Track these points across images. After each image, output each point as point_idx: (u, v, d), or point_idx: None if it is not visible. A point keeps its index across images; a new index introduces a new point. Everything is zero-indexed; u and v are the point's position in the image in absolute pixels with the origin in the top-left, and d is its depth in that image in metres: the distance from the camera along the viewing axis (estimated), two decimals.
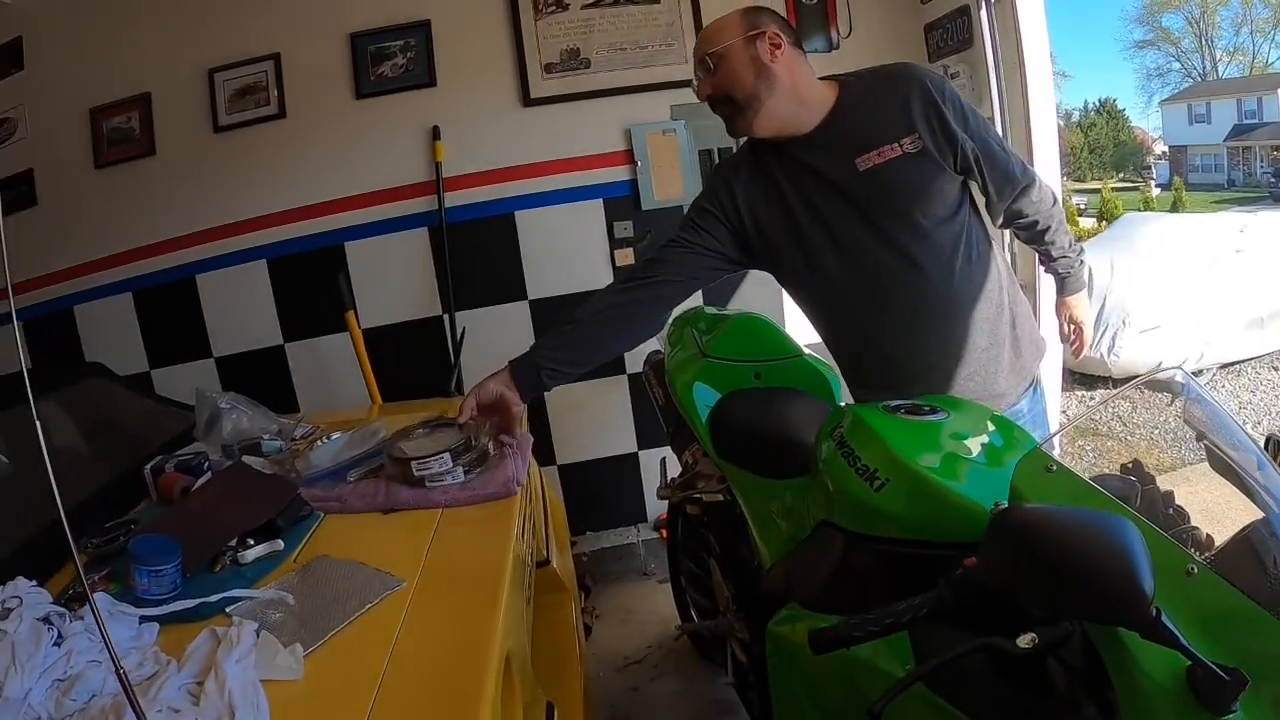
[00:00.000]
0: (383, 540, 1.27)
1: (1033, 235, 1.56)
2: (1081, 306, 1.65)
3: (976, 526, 0.85)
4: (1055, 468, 0.89)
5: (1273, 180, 19.08)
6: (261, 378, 2.67)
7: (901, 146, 1.34)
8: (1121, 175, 23.88)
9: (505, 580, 1.10)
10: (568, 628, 1.78)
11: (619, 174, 2.64)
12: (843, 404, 1.52)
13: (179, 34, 2.53)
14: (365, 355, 2.43)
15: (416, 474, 1.38)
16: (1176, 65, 25.13)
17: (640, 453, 2.81)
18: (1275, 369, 5.42)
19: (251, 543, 1.21)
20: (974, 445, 1.16)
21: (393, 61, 2.60)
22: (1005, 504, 0.89)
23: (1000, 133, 2.32)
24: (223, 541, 1.20)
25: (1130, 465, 0.96)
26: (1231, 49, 23.89)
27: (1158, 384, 1.06)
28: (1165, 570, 0.71)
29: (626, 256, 2.65)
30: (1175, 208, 14.11)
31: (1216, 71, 24.43)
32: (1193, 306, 5.03)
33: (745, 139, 1.48)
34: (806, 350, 1.79)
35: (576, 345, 1.45)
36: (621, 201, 2.66)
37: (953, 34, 2.56)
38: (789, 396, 1.71)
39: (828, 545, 1.20)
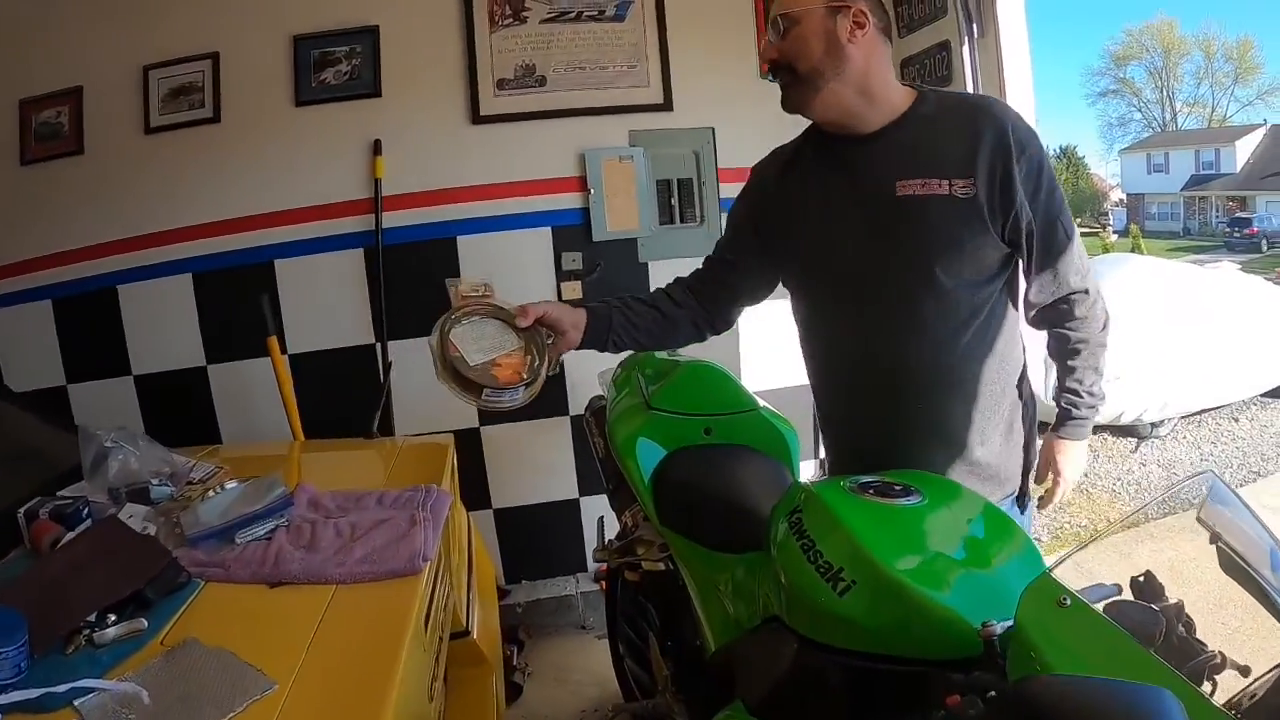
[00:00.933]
0: (265, 620, 1.12)
1: (1061, 352, 1.33)
2: (1071, 457, 1.36)
3: (959, 643, 0.80)
4: (1070, 602, 0.75)
5: (1228, 230, 19.61)
6: (181, 400, 2.51)
7: (951, 186, 1.18)
8: (1079, 220, 24.48)
9: (395, 682, 0.96)
10: (486, 705, 1.64)
11: (570, 201, 2.49)
12: (801, 477, 1.36)
13: (117, 24, 2.37)
14: (288, 385, 2.25)
15: (484, 399, 1.27)
16: (1138, 115, 25.87)
17: (582, 499, 2.64)
18: (1236, 420, 5.48)
19: (112, 619, 1.05)
20: (956, 539, 1.04)
21: (336, 68, 2.44)
22: (996, 624, 0.81)
23: None
24: (81, 615, 1.04)
25: (1143, 579, 0.81)
26: (1191, 101, 24.55)
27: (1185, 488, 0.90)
28: None
29: (574, 290, 2.49)
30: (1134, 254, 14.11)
31: (1176, 123, 25.14)
32: (1155, 357, 4.99)
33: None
34: (762, 403, 1.65)
35: (640, 331, 1.38)
36: (571, 231, 2.49)
37: (931, 69, 2.44)
38: (741, 458, 1.57)
39: (778, 646, 1.07)
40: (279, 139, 2.42)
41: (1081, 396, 1.32)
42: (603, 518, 1.95)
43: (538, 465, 2.61)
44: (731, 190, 2.50)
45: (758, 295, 1.44)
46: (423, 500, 1.42)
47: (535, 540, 2.65)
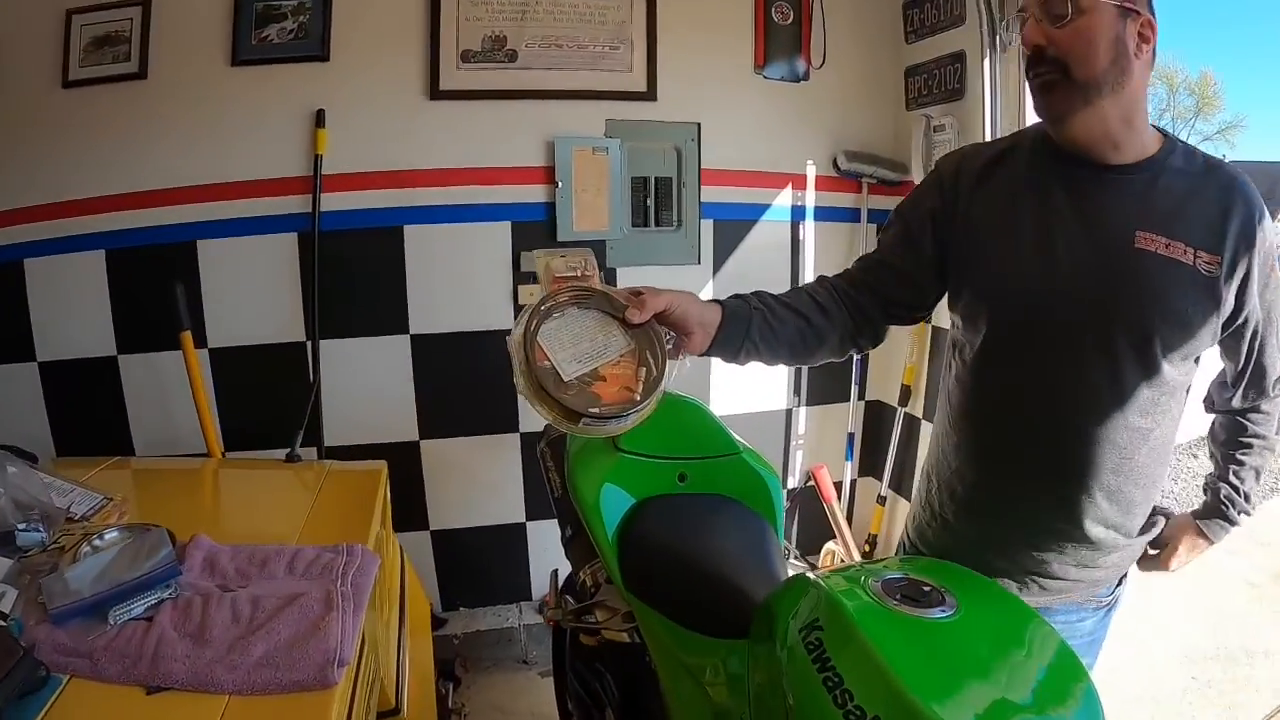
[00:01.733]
0: None
1: (1230, 440, 1.22)
2: (1197, 552, 1.25)
3: None
4: None
5: None
6: (90, 393, 2.24)
7: (1196, 258, 1.02)
8: None
9: None
10: None
11: (534, 194, 2.23)
12: (807, 570, 1.15)
13: None
14: (202, 390, 2.00)
15: (582, 426, 1.00)
16: None
17: (529, 524, 2.41)
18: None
19: None
20: (1003, 668, 0.87)
21: (281, 25, 2.15)
22: None
23: None
24: None
25: None
26: None
27: None
28: None
29: (534, 294, 2.19)
30: None
31: None
32: None
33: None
34: (743, 444, 1.45)
35: (780, 342, 1.12)
36: (534, 228, 2.24)
37: (940, 82, 2.25)
38: (722, 513, 1.37)
39: None
40: (210, 101, 2.14)
41: (1239, 497, 1.21)
42: (555, 572, 1.72)
43: (481, 484, 2.37)
44: (716, 194, 2.34)
45: (917, 314, 1.22)
46: (343, 568, 1.16)
47: (476, 566, 2.42)
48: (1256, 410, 1.18)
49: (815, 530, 2.51)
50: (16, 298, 2.19)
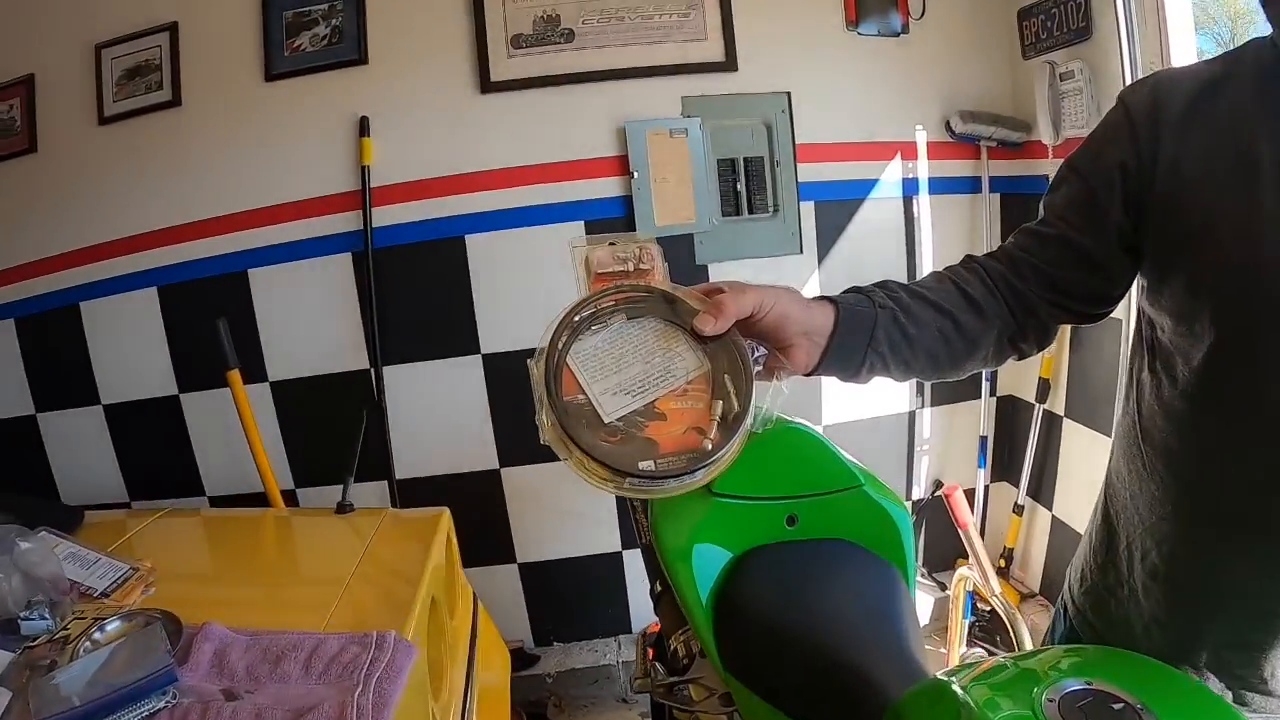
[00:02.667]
0: None
1: None
2: None
3: None
4: None
5: None
6: (155, 435, 2.17)
7: None
8: None
9: None
10: None
11: (608, 188, 2.00)
12: (952, 680, 0.82)
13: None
14: (255, 430, 1.88)
15: (629, 487, 0.68)
16: None
17: (625, 553, 2.20)
18: None
19: None
20: None
21: (313, 31, 2.00)
22: None
23: None
24: None
25: None
26: None
27: None
28: None
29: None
30: None
31: None
32: None
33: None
34: (863, 470, 1.17)
35: (918, 351, 0.79)
36: (610, 225, 2.00)
37: (1060, 22, 1.94)
38: (842, 565, 1.11)
39: None
40: (248, 121, 2.03)
41: None
42: (644, 635, 1.50)
43: (570, 513, 2.17)
44: (815, 172, 2.04)
45: (1098, 309, 0.85)
46: (368, 668, 0.98)
47: (569, 599, 2.24)
48: None
49: (945, 546, 2.24)
50: (76, 341, 2.17)
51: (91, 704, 0.88)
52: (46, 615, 1.09)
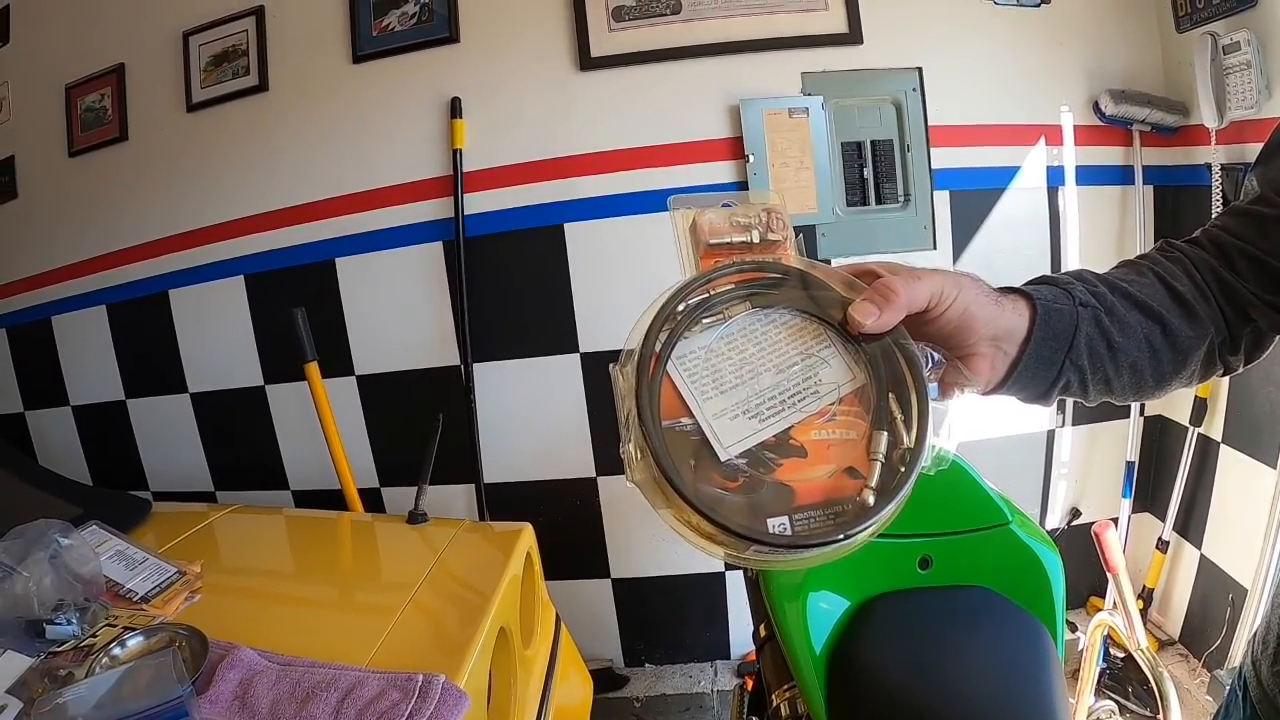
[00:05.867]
0: None
1: None
2: None
3: None
4: None
5: None
6: (241, 425, 2.17)
7: None
8: None
9: None
10: None
11: (721, 172, 1.83)
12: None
13: None
14: (333, 427, 1.79)
15: (753, 554, 0.46)
16: None
17: (728, 574, 2.04)
18: None
19: None
20: None
21: (402, 9, 1.92)
22: None
23: None
24: None
25: None
26: None
27: None
28: None
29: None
30: None
31: None
32: None
33: None
34: (1013, 507, 1.04)
35: (1123, 363, 0.59)
36: None
37: None
38: (982, 620, 0.99)
39: None
40: (335, 105, 1.97)
41: None
42: (743, 684, 1.35)
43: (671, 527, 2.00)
44: (949, 158, 1.84)
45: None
46: (409, 716, 0.85)
47: (665, 618, 2.10)
48: None
49: (1078, 581, 2.01)
50: (165, 328, 2.18)
51: None
52: (74, 620, 1.06)
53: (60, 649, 1.00)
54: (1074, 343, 0.57)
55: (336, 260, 1.99)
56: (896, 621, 0.97)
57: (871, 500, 0.46)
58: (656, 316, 0.49)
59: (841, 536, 0.45)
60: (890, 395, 0.49)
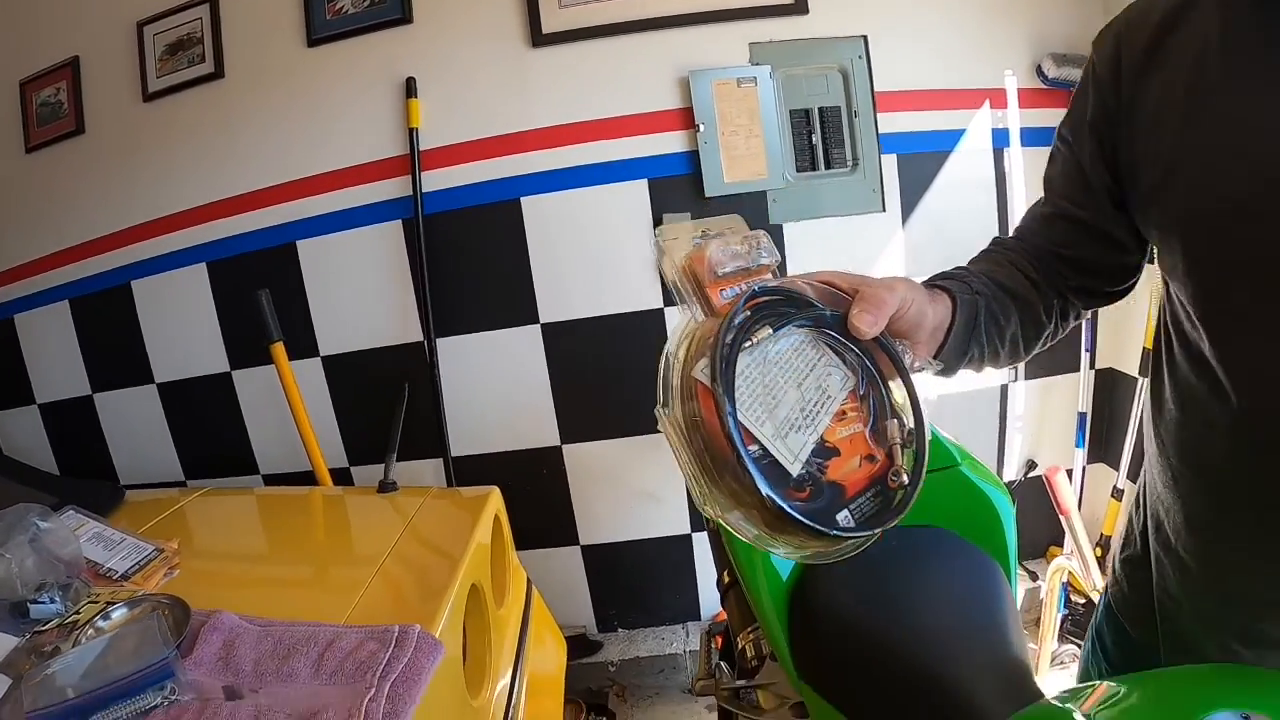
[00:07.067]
0: None
1: None
2: None
3: None
4: None
5: None
6: (209, 412, 2.17)
7: None
8: None
9: None
10: None
11: (672, 143, 1.87)
12: (1076, 706, 0.68)
13: None
14: (300, 406, 1.81)
15: (844, 545, 0.55)
16: None
17: (694, 535, 2.09)
18: None
19: None
20: None
21: None
22: None
23: None
24: None
25: None
26: None
27: None
28: None
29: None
30: None
31: None
32: None
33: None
34: (961, 450, 1.10)
35: (1004, 336, 0.75)
36: (675, 183, 1.88)
37: None
38: (936, 557, 1.03)
39: None
40: (292, 89, 1.97)
41: None
42: (709, 632, 1.43)
43: (636, 492, 2.07)
44: (897, 122, 1.88)
45: (1122, 278, 0.79)
46: (384, 666, 0.90)
47: (635, 582, 2.15)
48: None
49: (1037, 531, 2.09)
50: (129, 319, 2.17)
51: (86, 696, 0.84)
52: (57, 599, 1.07)
53: (45, 627, 1.02)
54: (978, 325, 0.70)
55: (297, 243, 2.00)
56: (855, 561, 1.00)
57: (905, 479, 0.55)
58: (716, 354, 0.50)
59: (896, 513, 0.54)
60: (875, 385, 0.58)
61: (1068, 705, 0.64)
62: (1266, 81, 0.60)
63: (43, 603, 1.04)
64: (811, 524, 0.50)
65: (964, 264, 0.79)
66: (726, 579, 1.27)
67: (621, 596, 2.15)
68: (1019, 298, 0.75)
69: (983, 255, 0.81)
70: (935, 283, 0.70)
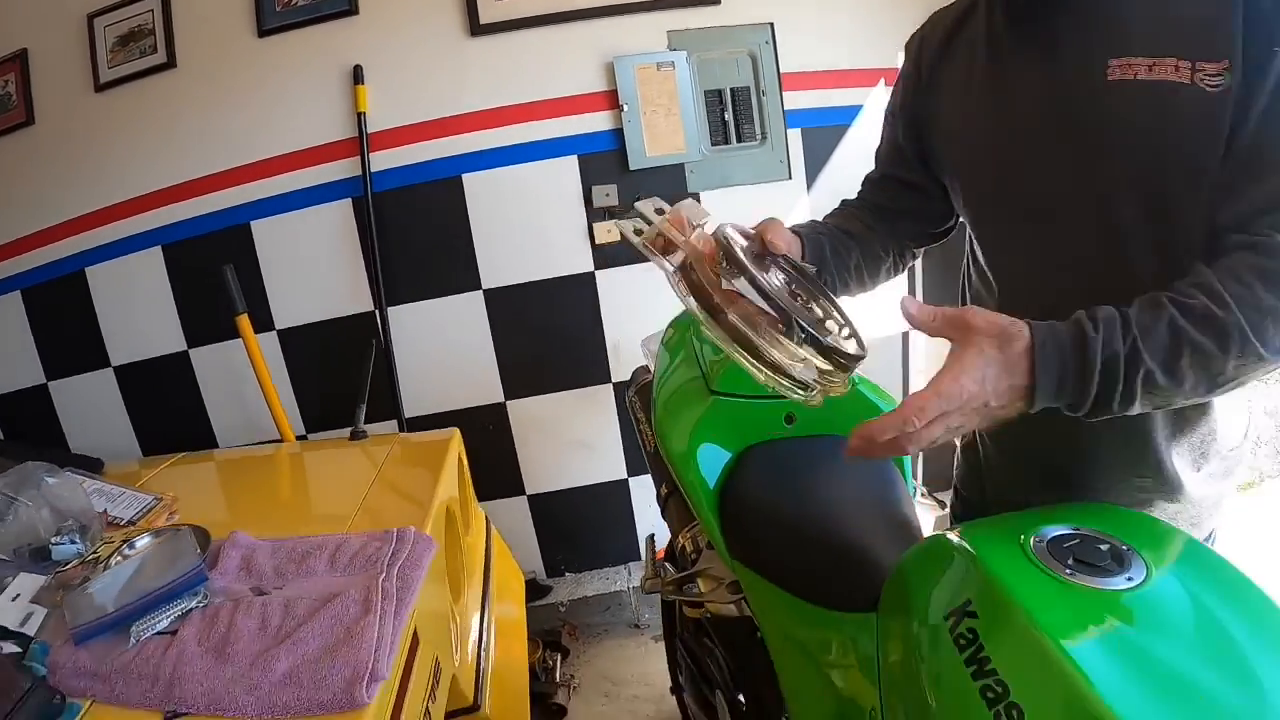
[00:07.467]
0: None
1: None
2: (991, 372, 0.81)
3: None
4: None
5: None
6: (167, 391, 2.21)
7: (1194, 73, 0.71)
8: None
9: None
10: None
11: (599, 122, 2.03)
12: (949, 533, 0.87)
13: None
14: (265, 372, 1.91)
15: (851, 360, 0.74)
16: None
17: (631, 479, 2.26)
18: None
19: None
20: (1219, 656, 0.63)
21: None
22: None
23: None
24: None
25: None
26: None
27: None
28: None
29: (610, 231, 2.05)
30: None
31: None
32: None
33: None
34: (857, 371, 1.21)
35: (849, 270, 1.00)
36: (602, 158, 2.05)
37: None
38: (837, 456, 1.14)
39: None
40: (244, 78, 2.05)
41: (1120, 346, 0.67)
42: (652, 536, 1.56)
43: (576, 443, 2.22)
44: (801, 100, 2.08)
45: (943, 222, 1.05)
46: (389, 557, 1.04)
47: (579, 528, 2.30)
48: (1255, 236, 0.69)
49: (944, 464, 2.29)
50: (84, 306, 2.19)
51: (126, 609, 0.94)
52: (76, 540, 1.15)
53: (66, 567, 1.10)
54: (825, 258, 0.93)
55: (252, 223, 2.08)
56: (770, 462, 1.15)
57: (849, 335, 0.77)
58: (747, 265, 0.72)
59: (860, 353, 0.74)
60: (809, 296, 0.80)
61: (944, 533, 0.81)
62: (1006, 67, 0.84)
63: (63, 544, 1.13)
64: (850, 352, 0.72)
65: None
66: (665, 491, 1.42)
67: (567, 542, 2.30)
68: (855, 236, 0.99)
69: (833, 211, 1.06)
70: (791, 229, 0.91)
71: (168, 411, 2.22)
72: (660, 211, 0.79)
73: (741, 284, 0.71)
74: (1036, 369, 0.66)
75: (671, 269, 0.76)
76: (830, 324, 0.78)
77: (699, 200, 0.87)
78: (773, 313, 0.70)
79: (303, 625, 0.90)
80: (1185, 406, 0.79)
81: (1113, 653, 0.61)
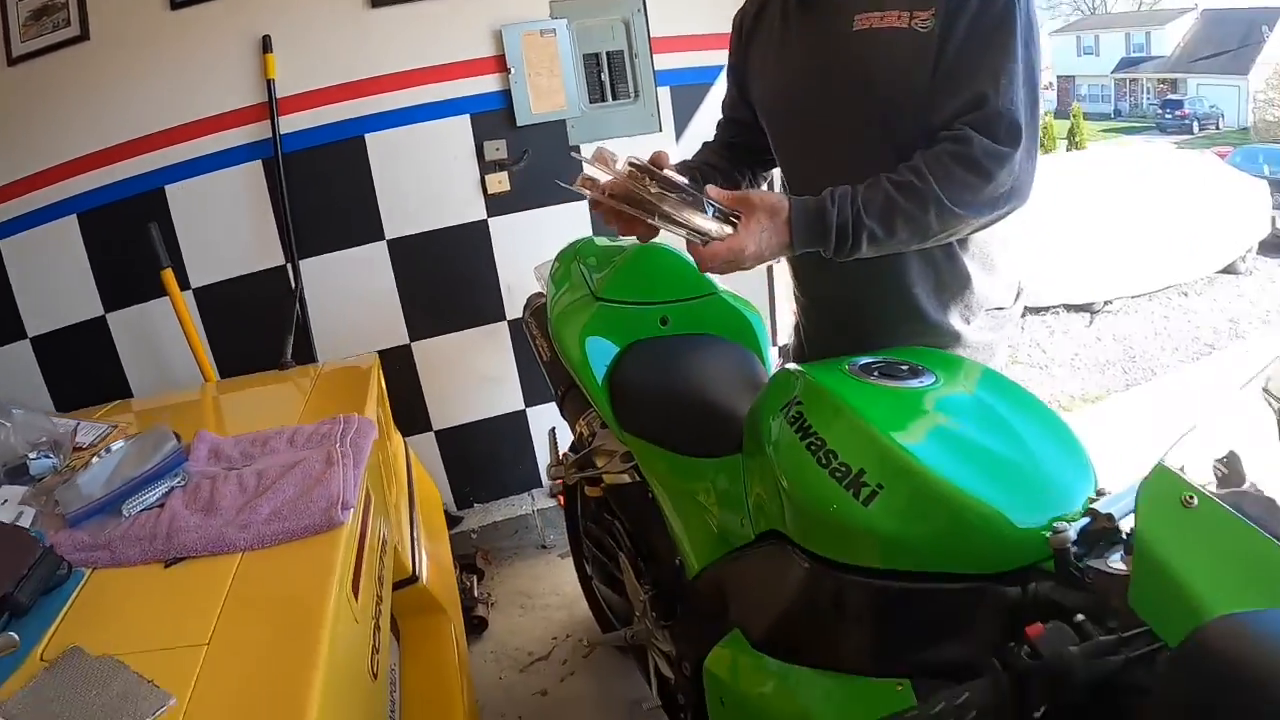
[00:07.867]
0: (158, 610, 0.93)
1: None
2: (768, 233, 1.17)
3: (1007, 553, 0.73)
4: (1196, 501, 0.61)
5: (1160, 111, 19.89)
6: (85, 357, 2.27)
7: (912, 18, 1.03)
8: None
9: (318, 674, 0.78)
10: (446, 655, 1.45)
11: (489, 84, 2.23)
12: (789, 364, 1.20)
13: None
14: (190, 322, 2.04)
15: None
16: None
17: (528, 410, 2.46)
18: (1185, 295, 5.86)
19: None
20: (985, 426, 0.88)
21: None
22: (1068, 527, 0.69)
23: None
24: None
25: (1225, 460, 0.67)
26: None
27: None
28: None
29: (501, 182, 2.25)
30: (1073, 134, 14.12)
31: (1105, 6, 25.07)
32: (1108, 239, 5.42)
33: None
34: (721, 285, 1.46)
35: None
36: (492, 116, 2.24)
37: None
38: (706, 348, 1.39)
39: (783, 568, 0.94)
40: (156, 49, 2.13)
41: (859, 206, 1.03)
42: (554, 429, 1.76)
43: (477, 377, 2.40)
44: (669, 61, 2.34)
45: (770, 153, 1.36)
46: (340, 433, 1.22)
47: (483, 460, 2.47)
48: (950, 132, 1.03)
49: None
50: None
51: (113, 493, 1.08)
52: (50, 455, 1.27)
53: (42, 479, 1.21)
54: (695, 183, 1.12)
55: (166, 188, 2.15)
56: (649, 352, 1.37)
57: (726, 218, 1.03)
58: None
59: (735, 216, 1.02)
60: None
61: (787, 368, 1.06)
62: (791, 26, 1.17)
63: (39, 459, 1.24)
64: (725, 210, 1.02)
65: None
66: (562, 390, 1.63)
67: (474, 474, 2.46)
68: (714, 166, 1.34)
69: (697, 152, 1.41)
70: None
71: (87, 378, 2.26)
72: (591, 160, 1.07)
73: (656, 188, 1.01)
74: (793, 230, 1.01)
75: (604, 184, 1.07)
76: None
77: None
78: (688, 198, 1.01)
79: (276, 482, 1.06)
80: (943, 273, 1.14)
81: (903, 417, 0.86)
